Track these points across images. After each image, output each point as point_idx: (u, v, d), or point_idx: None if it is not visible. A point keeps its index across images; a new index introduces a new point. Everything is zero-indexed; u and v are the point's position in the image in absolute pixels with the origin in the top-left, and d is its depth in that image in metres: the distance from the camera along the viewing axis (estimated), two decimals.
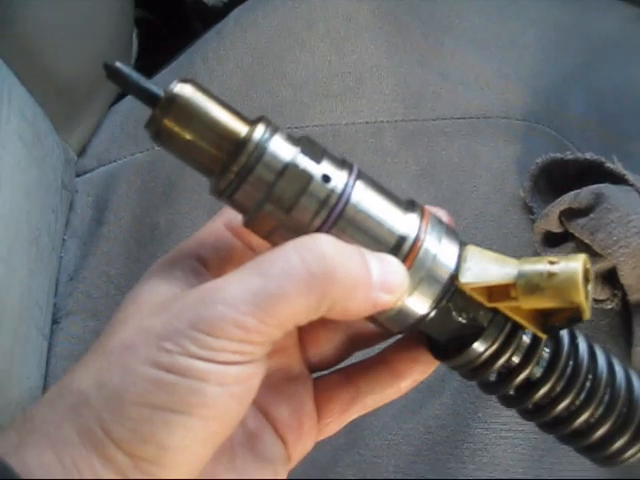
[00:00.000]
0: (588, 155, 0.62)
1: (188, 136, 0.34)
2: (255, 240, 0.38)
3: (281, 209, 0.34)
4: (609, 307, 0.59)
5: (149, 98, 0.34)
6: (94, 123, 0.75)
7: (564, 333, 0.38)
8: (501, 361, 0.37)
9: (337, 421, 0.41)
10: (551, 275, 0.34)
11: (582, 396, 0.38)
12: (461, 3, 0.75)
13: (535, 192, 0.65)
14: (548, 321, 0.36)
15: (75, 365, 0.33)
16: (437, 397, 0.61)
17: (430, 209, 0.38)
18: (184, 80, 0.34)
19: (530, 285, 0.34)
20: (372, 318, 0.37)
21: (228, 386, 0.32)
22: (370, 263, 0.34)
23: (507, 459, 0.59)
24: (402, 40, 0.73)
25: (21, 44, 0.61)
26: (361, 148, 0.70)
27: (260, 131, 0.34)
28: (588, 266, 0.35)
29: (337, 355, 0.42)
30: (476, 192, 0.67)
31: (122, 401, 0.31)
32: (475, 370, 0.38)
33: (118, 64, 0.33)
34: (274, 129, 0.35)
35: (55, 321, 0.67)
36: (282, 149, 0.34)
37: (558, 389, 0.38)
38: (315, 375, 0.42)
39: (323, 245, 0.33)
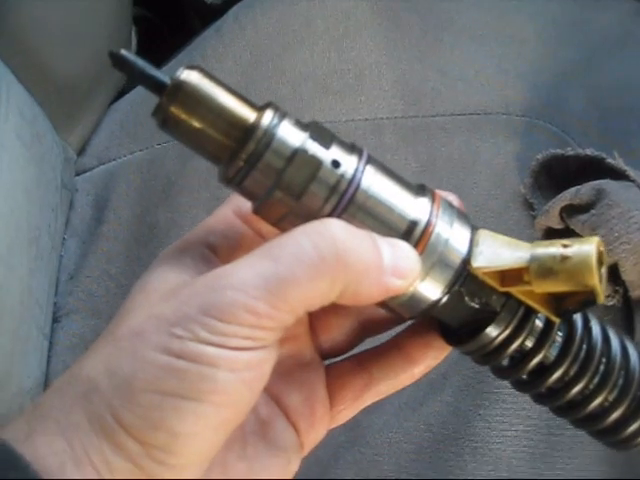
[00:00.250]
0: (589, 151, 0.62)
1: (195, 123, 0.33)
2: (265, 227, 0.38)
3: (291, 196, 0.34)
4: (611, 303, 0.59)
5: (155, 85, 0.33)
6: (93, 122, 0.75)
7: (577, 317, 0.38)
8: (514, 345, 0.37)
9: (350, 408, 0.41)
10: (564, 258, 0.34)
11: (596, 380, 0.38)
12: None
13: (536, 188, 0.64)
14: (561, 305, 0.36)
15: (84, 353, 0.33)
16: (438, 394, 0.61)
17: (441, 193, 0.37)
18: (191, 67, 0.34)
19: (543, 269, 0.34)
20: (384, 304, 0.37)
21: (239, 372, 0.32)
22: (381, 248, 0.34)
23: (508, 456, 0.58)
24: (401, 36, 0.73)
25: (19, 42, 0.61)
26: (361, 145, 0.70)
27: (268, 117, 0.34)
28: (602, 249, 0.34)
29: (348, 342, 0.42)
30: (476, 188, 0.67)
31: (132, 388, 0.31)
32: (488, 355, 0.38)
33: (123, 52, 0.33)
34: (282, 115, 0.35)
35: (55, 320, 0.67)
36: (291, 135, 0.34)
37: (572, 373, 0.38)
38: (327, 362, 0.42)
39: (334, 229, 0.33)
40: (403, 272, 0.34)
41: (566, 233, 0.61)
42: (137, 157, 0.72)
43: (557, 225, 0.60)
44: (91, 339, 0.66)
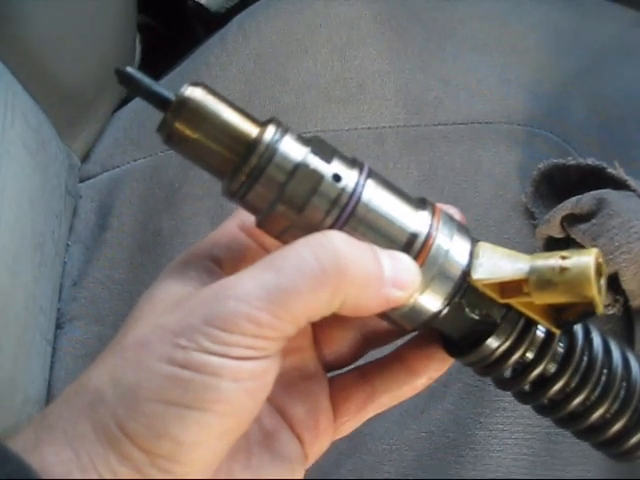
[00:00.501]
0: (590, 160, 0.62)
1: (199, 138, 0.34)
2: (268, 240, 0.38)
3: (293, 209, 0.35)
4: (611, 313, 0.59)
5: (160, 102, 0.34)
6: (98, 129, 0.75)
7: (578, 328, 0.38)
8: (515, 357, 0.37)
9: (353, 420, 0.41)
10: (563, 270, 0.34)
11: (597, 391, 0.38)
12: (462, 9, 0.76)
13: (537, 197, 0.65)
14: (561, 316, 0.36)
15: (91, 364, 0.34)
16: (439, 402, 0.61)
17: (441, 207, 0.38)
18: (194, 83, 0.34)
19: (542, 280, 0.34)
20: (385, 316, 0.37)
21: (242, 382, 0.32)
22: (382, 260, 0.35)
23: (508, 464, 0.59)
24: (404, 46, 0.73)
25: (25, 51, 0.61)
26: (363, 153, 0.70)
27: (270, 132, 0.35)
28: (600, 260, 0.35)
29: (352, 354, 0.43)
30: (478, 197, 0.67)
31: (137, 397, 0.31)
32: (489, 366, 0.38)
33: (129, 69, 0.34)
34: (284, 130, 0.35)
35: (59, 326, 0.67)
36: (293, 150, 0.35)
37: (573, 384, 0.38)
38: (330, 374, 0.42)
39: (335, 241, 0.33)
40: (403, 283, 0.35)
41: (567, 242, 0.61)
42: (141, 164, 0.73)
43: (558, 234, 0.61)
44: (94, 345, 0.67)
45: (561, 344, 0.38)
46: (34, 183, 0.62)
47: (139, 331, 0.33)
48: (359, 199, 0.35)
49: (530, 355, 0.38)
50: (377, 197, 0.35)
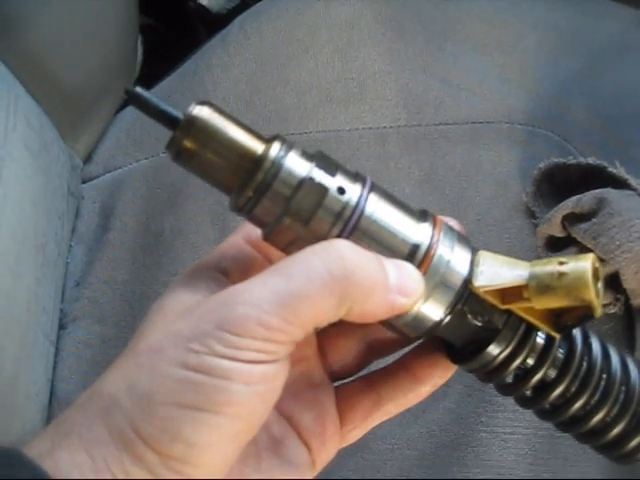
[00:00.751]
0: (590, 160, 0.62)
1: (207, 156, 0.35)
2: (274, 253, 0.39)
3: (299, 222, 0.36)
4: (612, 312, 0.59)
5: (169, 121, 0.35)
6: (100, 130, 0.75)
7: (577, 334, 0.39)
8: (516, 362, 0.38)
9: (360, 428, 0.42)
10: (561, 275, 0.35)
11: (597, 395, 0.39)
12: (463, 9, 0.76)
13: (538, 197, 0.65)
14: (560, 320, 0.37)
15: (105, 371, 0.34)
16: (440, 402, 0.61)
17: (442, 218, 0.39)
18: (202, 102, 0.36)
19: (541, 286, 0.36)
20: (390, 324, 0.38)
21: (253, 385, 0.33)
22: (387, 267, 0.36)
23: (510, 463, 0.59)
24: (404, 46, 0.74)
25: (27, 53, 0.62)
26: (364, 154, 0.70)
27: (276, 149, 0.36)
28: (597, 265, 0.36)
29: (357, 363, 0.43)
30: (479, 197, 0.67)
31: (151, 401, 0.32)
32: (492, 372, 0.39)
33: (138, 89, 0.35)
34: (289, 146, 0.36)
35: (62, 326, 0.68)
36: (297, 165, 0.36)
37: (573, 389, 0.39)
38: (336, 384, 0.43)
39: (342, 248, 0.34)
40: (408, 291, 0.36)
41: (568, 241, 0.61)
42: (143, 165, 0.73)
43: (559, 233, 0.61)
44: (97, 345, 0.67)
45: (561, 350, 0.39)
46: (36, 185, 0.62)
47: (151, 338, 0.34)
48: (362, 212, 0.36)
49: (531, 361, 0.39)
50: (380, 210, 0.36)
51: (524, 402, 0.41)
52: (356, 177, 0.37)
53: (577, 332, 0.39)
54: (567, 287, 0.35)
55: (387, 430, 0.61)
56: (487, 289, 0.37)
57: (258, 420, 0.34)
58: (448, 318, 0.37)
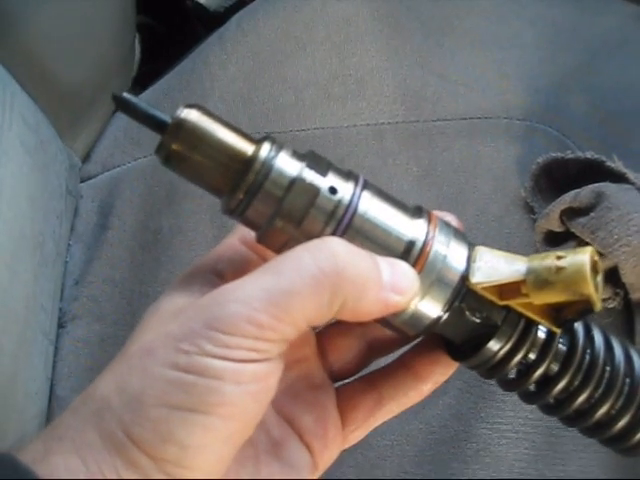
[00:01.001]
0: (589, 154, 0.62)
1: (197, 159, 0.35)
2: (270, 254, 0.39)
3: (291, 223, 0.35)
4: (611, 306, 0.59)
5: (157, 125, 0.35)
6: (98, 129, 0.75)
7: (579, 326, 0.39)
8: (517, 358, 0.38)
9: (362, 428, 0.42)
10: (559, 269, 0.35)
11: (601, 388, 0.38)
12: (460, 4, 0.76)
13: (536, 192, 0.65)
14: (560, 315, 0.37)
15: (99, 374, 0.34)
16: (440, 398, 0.61)
17: (438, 214, 0.39)
18: (190, 105, 0.36)
19: (539, 280, 0.35)
20: (387, 323, 0.38)
21: (245, 384, 0.32)
22: (380, 265, 0.35)
23: (510, 458, 0.59)
24: (402, 42, 0.73)
25: (23, 51, 0.61)
26: (362, 150, 0.70)
27: (266, 149, 0.36)
28: (596, 258, 0.35)
29: (357, 363, 0.43)
30: (477, 192, 0.67)
31: (142, 403, 0.32)
32: (493, 369, 0.39)
33: (125, 95, 0.35)
34: (279, 147, 0.36)
35: (61, 325, 0.68)
36: (288, 165, 0.36)
37: (576, 382, 0.38)
38: (337, 385, 0.42)
39: (334, 245, 0.34)
40: (402, 288, 0.35)
41: (566, 236, 0.61)
42: (141, 164, 0.73)
43: (557, 228, 0.61)
44: (96, 344, 0.67)
45: (563, 343, 0.38)
46: (33, 183, 0.62)
47: (143, 339, 0.34)
48: (355, 210, 0.36)
49: (532, 356, 0.38)
50: (373, 208, 0.36)
51: (528, 397, 0.40)
52: (348, 175, 0.37)
53: (579, 325, 0.39)
54: (565, 281, 0.35)
55: (386, 426, 0.60)
56: (484, 285, 0.36)
57: (252, 420, 0.33)
58: (446, 315, 0.37)
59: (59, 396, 0.65)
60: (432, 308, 0.37)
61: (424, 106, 0.71)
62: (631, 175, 0.59)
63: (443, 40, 0.74)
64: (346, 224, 0.36)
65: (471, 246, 0.38)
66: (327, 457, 0.40)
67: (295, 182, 0.35)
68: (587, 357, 0.38)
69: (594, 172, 0.61)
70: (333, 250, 0.34)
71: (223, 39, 0.76)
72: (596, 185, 0.59)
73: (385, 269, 0.35)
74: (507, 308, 0.37)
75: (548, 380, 0.39)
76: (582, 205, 0.58)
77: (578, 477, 0.58)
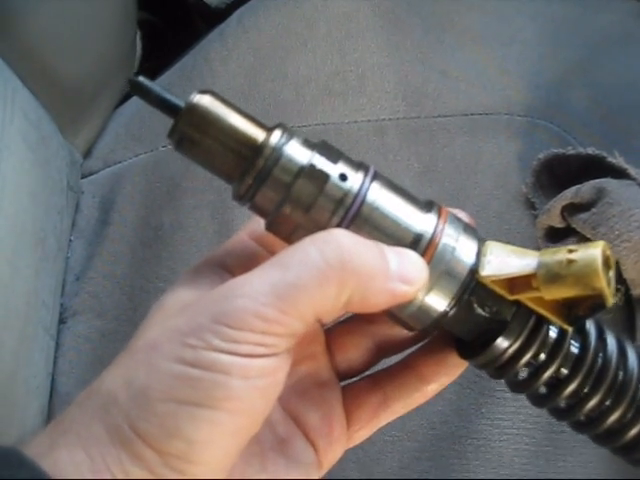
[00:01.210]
0: (590, 150, 0.62)
1: (208, 143, 0.36)
2: (279, 248, 0.38)
3: (299, 209, 0.35)
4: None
5: (170, 109, 0.35)
6: (99, 125, 0.75)
7: (592, 329, 0.38)
8: (527, 356, 0.37)
9: (366, 428, 0.41)
10: (570, 262, 0.34)
11: (613, 394, 0.37)
12: (461, 0, 0.76)
13: (537, 188, 0.65)
14: (572, 312, 0.36)
15: (105, 369, 0.34)
16: (440, 393, 0.60)
17: (451, 210, 0.38)
18: (203, 91, 0.36)
19: (550, 274, 0.34)
20: (394, 316, 0.37)
21: (252, 379, 0.32)
22: (388, 255, 0.35)
23: (510, 455, 0.59)
24: (403, 38, 0.73)
25: (24, 46, 0.61)
26: (363, 146, 0.70)
27: (277, 136, 0.36)
28: (608, 252, 0.35)
29: (364, 362, 0.43)
30: (478, 188, 0.67)
31: (148, 398, 0.32)
32: (502, 367, 0.38)
33: (141, 78, 0.36)
34: (291, 134, 0.36)
35: (62, 321, 0.68)
36: (299, 152, 0.36)
37: (587, 386, 0.37)
38: (343, 383, 0.42)
39: (339, 237, 0.34)
40: (410, 278, 0.35)
41: (567, 232, 0.61)
42: (142, 159, 0.73)
43: (558, 224, 0.61)
44: (97, 339, 0.67)
45: (575, 345, 0.38)
46: (35, 178, 0.62)
47: (149, 334, 0.34)
48: (364, 199, 0.36)
49: (543, 356, 0.37)
50: (382, 198, 0.36)
51: (537, 400, 0.39)
52: (359, 166, 0.37)
53: (591, 327, 0.38)
54: (576, 275, 0.34)
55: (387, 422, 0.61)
56: (494, 278, 0.36)
57: (259, 415, 0.33)
58: (454, 309, 0.37)
59: (60, 392, 0.65)
60: (440, 301, 0.36)
61: (425, 102, 0.71)
62: (632, 171, 0.59)
63: (444, 36, 0.74)
64: (354, 212, 0.35)
65: (482, 241, 0.38)
66: (331, 456, 0.40)
67: (305, 168, 0.35)
68: (599, 360, 0.37)
69: (595, 168, 0.61)
70: (339, 242, 0.34)
71: (224, 35, 0.76)
72: (597, 181, 0.59)
73: (392, 259, 0.35)
74: (517, 304, 0.37)
75: (558, 383, 0.38)
76: (583, 201, 0.58)
77: (578, 474, 0.58)
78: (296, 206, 0.35)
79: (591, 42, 0.72)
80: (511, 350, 0.37)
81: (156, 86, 0.36)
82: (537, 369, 0.38)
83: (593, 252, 0.34)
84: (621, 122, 0.67)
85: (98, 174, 0.74)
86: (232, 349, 0.32)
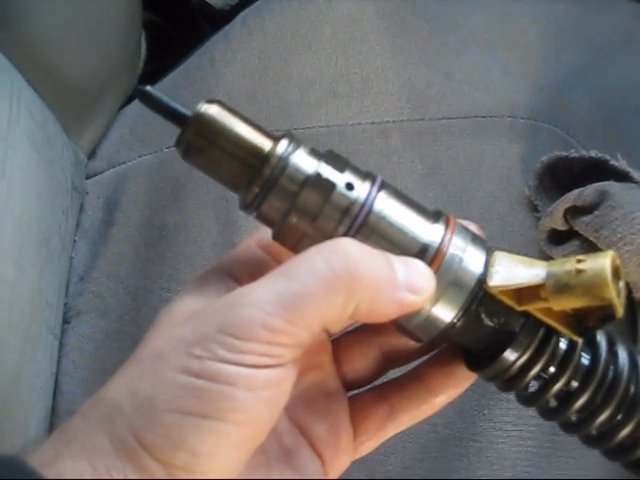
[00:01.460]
0: (593, 153, 0.62)
1: (215, 152, 0.36)
2: (286, 257, 0.38)
3: (306, 218, 0.35)
4: None
5: (178, 118, 0.36)
6: (104, 125, 0.75)
7: (602, 341, 0.37)
8: (536, 368, 0.36)
9: (373, 439, 0.41)
10: (579, 272, 0.34)
11: (624, 407, 0.36)
12: (465, 3, 0.76)
13: (540, 190, 0.65)
14: (581, 324, 0.35)
15: (109, 377, 0.34)
16: None
17: (461, 221, 0.38)
18: (210, 100, 0.36)
19: (559, 284, 0.34)
20: (402, 327, 0.37)
21: (257, 390, 0.32)
22: (395, 265, 0.35)
23: (513, 456, 0.59)
24: (407, 40, 0.74)
25: (29, 47, 0.62)
26: (367, 148, 0.70)
27: (283, 145, 0.36)
28: (617, 262, 0.34)
29: (372, 372, 0.42)
30: (481, 191, 0.67)
31: (153, 408, 0.31)
32: (511, 380, 0.37)
33: (149, 88, 0.36)
34: (298, 143, 0.36)
35: (66, 320, 0.68)
36: (305, 161, 0.36)
37: (598, 400, 0.37)
38: (349, 394, 0.42)
39: (346, 246, 0.34)
40: (417, 287, 0.35)
41: (570, 234, 0.61)
42: (146, 160, 0.73)
43: (561, 227, 0.61)
44: (101, 339, 0.67)
45: (586, 358, 0.37)
46: (40, 178, 0.62)
47: (155, 343, 0.34)
48: (371, 209, 0.35)
49: (552, 369, 0.37)
50: (389, 207, 0.36)
51: (547, 414, 0.39)
52: (366, 175, 0.37)
53: (602, 340, 0.37)
54: (585, 285, 0.33)
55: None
56: (502, 289, 0.35)
57: (265, 427, 0.33)
58: (462, 320, 0.36)
59: (64, 391, 0.66)
60: (447, 312, 0.36)
61: (429, 104, 0.71)
62: (635, 174, 0.60)
63: (448, 39, 0.74)
64: (361, 222, 0.35)
65: (490, 250, 0.37)
66: (338, 467, 0.40)
67: (311, 177, 0.35)
68: (610, 373, 0.37)
69: (598, 171, 0.61)
70: (346, 251, 0.33)
71: (229, 37, 0.76)
72: (600, 184, 0.59)
73: (400, 268, 0.35)
74: (526, 315, 0.36)
75: (568, 396, 0.37)
76: (586, 204, 0.58)
77: (580, 475, 0.58)
78: (302, 215, 0.35)
79: (594, 45, 0.72)
80: (520, 362, 0.36)
81: (164, 95, 0.36)
82: (547, 381, 0.37)
83: (602, 262, 0.34)
84: (624, 125, 0.67)
85: (102, 175, 0.74)
86: (237, 360, 0.31)
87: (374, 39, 0.74)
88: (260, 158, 0.35)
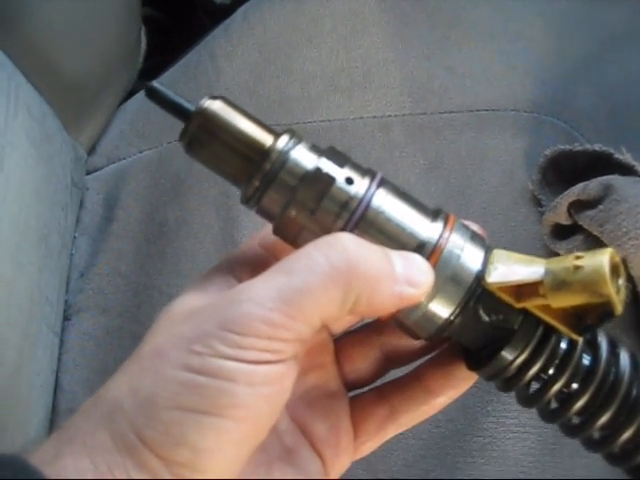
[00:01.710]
0: (597, 146, 0.62)
1: (217, 147, 0.37)
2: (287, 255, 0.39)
3: (305, 211, 0.36)
4: None
5: (182, 113, 0.37)
6: (103, 121, 0.75)
7: (603, 343, 0.37)
8: (535, 367, 0.36)
9: (373, 440, 0.41)
10: (577, 268, 0.34)
11: (626, 410, 0.36)
12: None
13: (544, 184, 0.64)
14: (581, 322, 0.35)
15: (110, 375, 0.34)
16: None
17: (464, 222, 0.38)
18: (214, 96, 0.37)
19: (557, 281, 0.34)
20: (400, 323, 0.37)
21: (258, 387, 0.32)
22: (393, 258, 0.35)
23: (516, 453, 0.58)
24: (409, 34, 0.73)
25: (27, 42, 0.61)
26: (369, 142, 0.70)
27: (284, 140, 0.37)
28: (616, 260, 0.34)
29: (373, 373, 0.43)
30: (484, 185, 0.67)
31: (154, 405, 0.31)
32: (510, 379, 0.37)
33: (155, 83, 0.37)
34: (299, 139, 0.37)
35: (66, 317, 0.68)
36: (305, 156, 0.37)
37: (598, 402, 0.36)
38: (351, 395, 0.42)
39: (344, 241, 0.34)
40: (416, 280, 0.35)
41: (574, 229, 0.60)
42: (146, 156, 0.73)
43: (565, 221, 0.60)
44: (101, 336, 0.67)
45: (586, 359, 0.37)
46: (38, 175, 0.62)
47: (156, 340, 0.34)
48: (369, 203, 0.36)
49: (552, 370, 0.37)
50: (388, 204, 0.36)
51: (547, 415, 0.38)
52: (366, 172, 0.37)
53: (603, 341, 0.37)
54: (583, 281, 0.33)
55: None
56: (501, 285, 0.35)
57: (265, 423, 0.33)
58: (460, 317, 0.36)
59: (64, 389, 0.65)
60: (445, 308, 0.36)
61: (431, 98, 0.71)
62: None
63: (450, 32, 0.73)
64: (359, 216, 0.36)
65: (489, 248, 0.37)
66: (338, 467, 0.40)
67: (311, 172, 0.36)
68: (611, 374, 0.36)
69: (602, 164, 0.61)
70: (344, 246, 0.34)
71: (229, 31, 0.76)
72: (604, 178, 0.58)
73: (398, 262, 0.35)
74: (525, 312, 0.36)
75: (568, 397, 0.37)
76: (590, 198, 0.58)
77: (584, 472, 0.57)
78: (302, 208, 0.36)
79: (598, 38, 0.72)
80: (519, 360, 0.36)
81: (169, 91, 0.37)
82: (546, 382, 0.37)
83: (600, 258, 0.34)
84: (628, 118, 0.67)
85: (102, 170, 0.74)
86: (237, 355, 0.32)
87: (375, 33, 0.73)
88: (261, 153, 0.36)
